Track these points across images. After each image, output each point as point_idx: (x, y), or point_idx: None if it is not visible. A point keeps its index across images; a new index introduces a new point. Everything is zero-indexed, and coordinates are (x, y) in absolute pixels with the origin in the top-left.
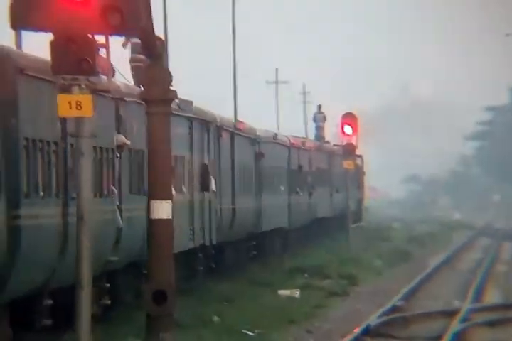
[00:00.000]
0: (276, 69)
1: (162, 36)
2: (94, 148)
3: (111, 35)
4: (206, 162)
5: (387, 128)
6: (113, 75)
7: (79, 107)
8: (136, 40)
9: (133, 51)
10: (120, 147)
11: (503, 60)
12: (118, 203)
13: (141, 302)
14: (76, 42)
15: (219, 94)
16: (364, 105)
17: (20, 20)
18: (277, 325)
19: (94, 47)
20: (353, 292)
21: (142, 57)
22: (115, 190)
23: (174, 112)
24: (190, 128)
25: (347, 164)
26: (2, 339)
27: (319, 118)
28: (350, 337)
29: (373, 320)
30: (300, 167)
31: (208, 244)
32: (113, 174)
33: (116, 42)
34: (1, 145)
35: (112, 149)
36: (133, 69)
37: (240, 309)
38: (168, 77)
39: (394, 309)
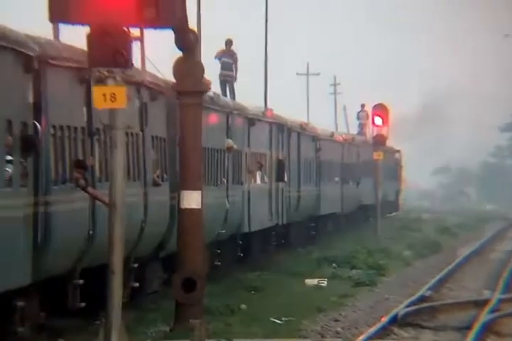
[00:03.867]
0: (308, 62)
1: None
2: (213, 149)
3: (146, 28)
4: (281, 157)
5: (419, 121)
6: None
7: (113, 99)
8: (227, 59)
9: (222, 68)
10: (229, 149)
11: None
12: (226, 190)
13: (169, 290)
14: (111, 35)
15: (249, 86)
16: (395, 98)
17: (59, 14)
18: (305, 313)
19: (129, 40)
20: (380, 282)
21: (231, 73)
22: (225, 181)
23: (260, 119)
24: (270, 131)
25: (377, 155)
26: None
27: (362, 116)
28: (378, 326)
29: (401, 309)
30: (350, 160)
31: (280, 223)
32: (223, 169)
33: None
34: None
35: (223, 150)
36: (221, 83)
37: (268, 298)
38: (200, 70)
39: (422, 299)
